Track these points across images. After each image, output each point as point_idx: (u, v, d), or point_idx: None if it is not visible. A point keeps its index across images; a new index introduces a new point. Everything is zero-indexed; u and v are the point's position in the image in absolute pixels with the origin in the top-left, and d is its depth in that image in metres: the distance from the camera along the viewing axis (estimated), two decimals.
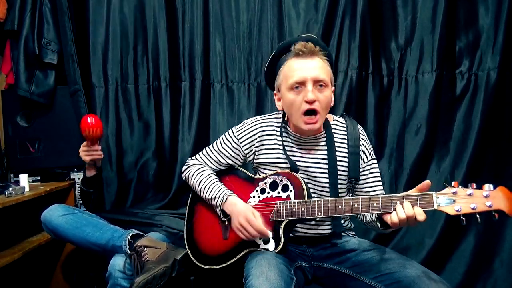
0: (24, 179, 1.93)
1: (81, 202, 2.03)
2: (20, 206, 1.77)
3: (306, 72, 1.41)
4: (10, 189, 1.77)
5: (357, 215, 1.51)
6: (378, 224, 1.35)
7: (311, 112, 1.42)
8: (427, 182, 1.24)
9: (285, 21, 2.12)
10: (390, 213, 1.25)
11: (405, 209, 1.21)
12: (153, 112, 2.18)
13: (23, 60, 2.07)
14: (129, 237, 1.60)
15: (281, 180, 1.48)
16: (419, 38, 2.06)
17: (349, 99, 2.08)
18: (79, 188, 2.18)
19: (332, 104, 1.51)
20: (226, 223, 1.52)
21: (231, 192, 1.52)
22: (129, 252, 1.56)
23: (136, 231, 1.65)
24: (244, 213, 1.41)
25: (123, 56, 2.16)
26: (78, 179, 2.21)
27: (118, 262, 1.54)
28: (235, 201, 1.48)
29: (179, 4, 2.14)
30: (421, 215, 1.19)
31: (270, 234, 1.40)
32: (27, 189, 1.90)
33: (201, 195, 1.58)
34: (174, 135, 2.16)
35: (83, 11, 2.13)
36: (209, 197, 1.53)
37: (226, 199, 1.48)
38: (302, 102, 1.41)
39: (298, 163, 1.51)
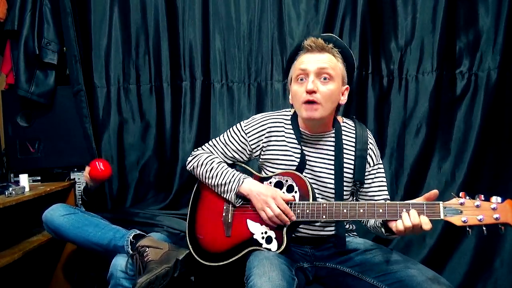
0: (24, 179, 1.93)
1: (80, 202, 2.04)
2: (20, 206, 1.76)
3: (310, 64, 1.43)
4: (10, 189, 1.77)
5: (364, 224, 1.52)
6: (383, 229, 1.35)
7: (310, 102, 1.43)
8: (434, 192, 1.24)
9: (285, 22, 2.12)
10: (396, 220, 1.25)
11: (411, 217, 1.20)
12: (154, 112, 2.18)
13: (23, 60, 2.07)
14: (131, 237, 1.59)
15: (286, 181, 1.47)
16: (419, 38, 2.07)
17: (349, 99, 2.05)
18: (79, 190, 2.19)
19: (342, 102, 1.52)
20: (229, 220, 1.51)
21: (247, 175, 1.52)
22: (131, 252, 1.55)
23: (138, 231, 1.64)
24: (273, 193, 1.42)
25: (125, 56, 2.16)
26: (79, 179, 2.21)
27: (120, 262, 1.54)
28: (253, 182, 1.48)
29: (180, 3, 2.14)
30: (427, 224, 1.19)
31: (294, 217, 1.39)
32: (27, 189, 1.90)
33: (212, 182, 1.55)
34: (175, 135, 2.16)
35: (85, 12, 2.13)
36: (222, 182, 1.52)
37: (243, 181, 1.48)
38: (303, 92, 1.43)
39: (305, 161, 1.51)
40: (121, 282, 1.50)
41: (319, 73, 1.42)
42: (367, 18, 2.05)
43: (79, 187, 2.21)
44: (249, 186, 1.48)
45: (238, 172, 1.53)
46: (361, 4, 2.03)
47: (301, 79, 1.45)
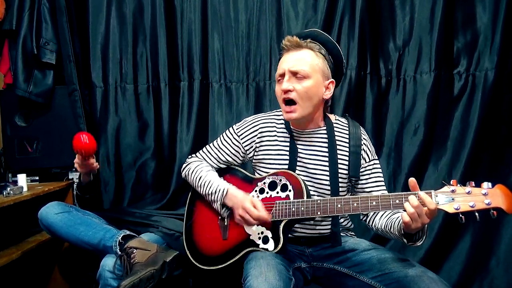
0: (22, 179, 1.92)
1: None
2: (18, 206, 1.76)
3: (284, 65, 1.47)
4: (8, 189, 1.76)
5: (375, 229, 1.50)
6: (405, 240, 1.32)
7: (289, 102, 1.46)
8: (412, 180, 1.23)
9: (283, 21, 2.13)
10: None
11: (410, 202, 1.19)
12: (152, 112, 2.18)
13: (21, 59, 2.07)
14: (119, 238, 1.57)
15: (280, 180, 1.48)
16: (417, 38, 2.07)
17: (348, 99, 2.09)
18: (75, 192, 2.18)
19: (327, 97, 1.51)
20: (226, 223, 1.52)
21: (231, 185, 1.52)
22: (120, 253, 1.54)
23: (128, 232, 1.62)
24: (242, 202, 1.43)
25: (123, 56, 2.17)
26: (76, 179, 2.20)
27: (108, 263, 1.53)
28: (235, 193, 1.48)
29: (178, 3, 2.15)
30: (431, 204, 1.17)
31: (270, 218, 1.40)
32: (25, 189, 1.89)
33: (201, 191, 1.57)
34: (173, 135, 2.16)
35: (83, 11, 2.14)
36: (209, 192, 1.53)
37: (227, 192, 1.49)
38: (282, 92, 1.46)
39: (298, 158, 1.52)
40: (109, 282, 1.49)
41: (294, 72, 1.44)
42: (365, 18, 2.06)
43: (75, 192, 2.20)
44: (232, 198, 1.48)
45: (223, 183, 1.53)
46: (359, 4, 2.04)
47: (279, 80, 1.49)
